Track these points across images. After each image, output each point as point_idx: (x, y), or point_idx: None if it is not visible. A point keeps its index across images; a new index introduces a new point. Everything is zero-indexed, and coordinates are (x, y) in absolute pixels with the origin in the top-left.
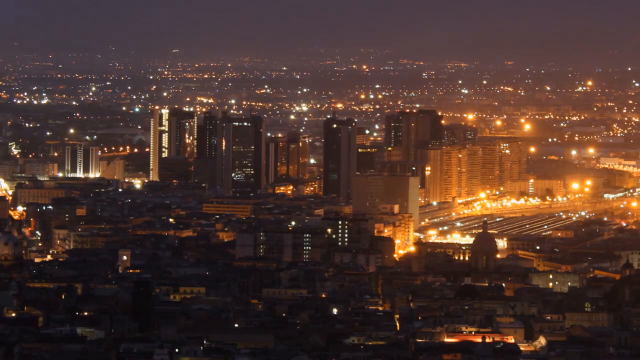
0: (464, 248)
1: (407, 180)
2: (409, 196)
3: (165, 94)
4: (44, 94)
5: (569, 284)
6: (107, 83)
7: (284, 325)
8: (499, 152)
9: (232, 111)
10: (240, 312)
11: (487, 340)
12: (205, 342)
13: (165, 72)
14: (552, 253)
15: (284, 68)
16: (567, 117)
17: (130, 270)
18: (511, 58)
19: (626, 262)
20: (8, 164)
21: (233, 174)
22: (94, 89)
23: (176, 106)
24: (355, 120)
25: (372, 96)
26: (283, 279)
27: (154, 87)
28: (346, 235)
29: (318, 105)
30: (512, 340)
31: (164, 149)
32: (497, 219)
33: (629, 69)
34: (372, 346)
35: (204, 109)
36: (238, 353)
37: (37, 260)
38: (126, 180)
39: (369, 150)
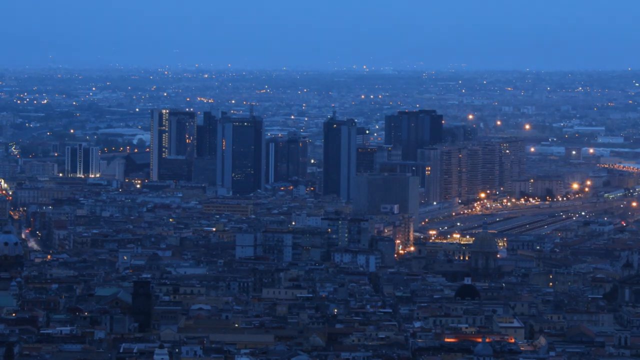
0: (464, 248)
1: (407, 180)
2: (409, 196)
3: (165, 94)
4: (44, 94)
5: (569, 284)
6: (107, 83)
7: (284, 325)
8: (499, 152)
9: (232, 111)
10: (240, 312)
11: (487, 340)
12: (205, 342)
13: (165, 72)
14: (552, 253)
15: (284, 68)
16: (567, 117)
17: (130, 270)
18: (511, 58)
19: (626, 262)
20: (8, 164)
21: (233, 174)
22: (94, 89)
23: (176, 106)
24: (355, 120)
25: (372, 96)
26: (283, 279)
27: (154, 87)
28: (346, 235)
29: (318, 106)
30: (512, 340)
31: (164, 149)
32: (497, 219)
33: (629, 69)
34: (372, 346)
35: (204, 109)
36: (238, 353)
37: (37, 260)
38: (126, 180)
39: (369, 150)
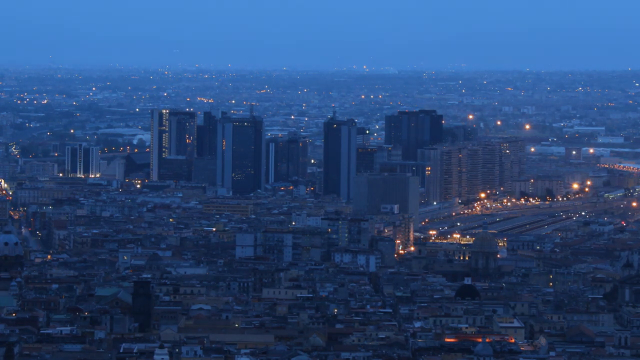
0: (464, 248)
1: (407, 180)
2: (409, 196)
3: (165, 94)
4: (44, 94)
5: (569, 284)
6: (107, 83)
7: (284, 325)
8: (499, 152)
9: (232, 111)
10: (240, 312)
11: (487, 340)
12: (205, 342)
13: (165, 72)
14: (552, 253)
15: (284, 68)
16: (567, 117)
17: (131, 270)
18: (511, 58)
19: (626, 262)
20: (8, 164)
21: (233, 174)
22: (94, 89)
23: (176, 106)
24: (356, 120)
25: (372, 96)
26: (283, 279)
27: (154, 87)
28: (346, 235)
29: (318, 106)
30: (512, 340)
31: (164, 149)
32: (497, 219)
33: (629, 69)
34: (372, 346)
35: (204, 109)
36: (238, 353)
37: (37, 260)
38: (126, 180)
39: (369, 150)
